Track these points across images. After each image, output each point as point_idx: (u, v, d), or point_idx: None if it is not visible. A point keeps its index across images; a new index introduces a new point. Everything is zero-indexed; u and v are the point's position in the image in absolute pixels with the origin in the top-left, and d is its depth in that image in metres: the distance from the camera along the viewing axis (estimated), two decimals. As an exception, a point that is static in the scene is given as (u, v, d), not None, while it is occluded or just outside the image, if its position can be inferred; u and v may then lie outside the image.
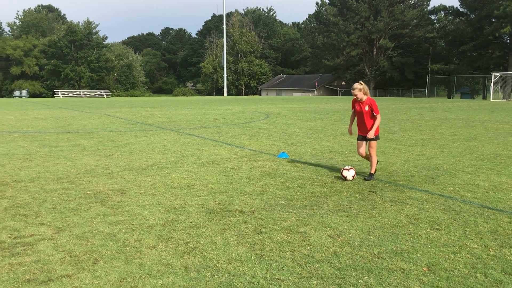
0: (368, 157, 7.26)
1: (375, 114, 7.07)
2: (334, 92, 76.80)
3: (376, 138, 7.15)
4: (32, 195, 6.05)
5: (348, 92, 72.95)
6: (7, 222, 4.87)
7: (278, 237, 4.41)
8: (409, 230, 4.66)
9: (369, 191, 6.31)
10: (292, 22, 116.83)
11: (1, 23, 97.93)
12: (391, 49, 69.96)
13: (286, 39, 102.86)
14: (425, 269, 3.69)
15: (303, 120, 18.64)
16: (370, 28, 68.01)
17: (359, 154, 7.41)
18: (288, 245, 4.21)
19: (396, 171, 7.70)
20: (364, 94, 7.11)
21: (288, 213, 5.23)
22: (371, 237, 4.44)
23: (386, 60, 69.36)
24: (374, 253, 4.01)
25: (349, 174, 6.90)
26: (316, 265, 3.75)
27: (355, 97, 7.16)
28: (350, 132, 7.75)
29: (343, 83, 78.45)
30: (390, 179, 7.12)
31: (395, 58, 68.50)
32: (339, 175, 7.29)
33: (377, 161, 7.43)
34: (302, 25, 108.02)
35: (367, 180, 6.96)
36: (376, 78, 72.38)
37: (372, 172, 7.10)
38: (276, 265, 3.75)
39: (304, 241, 4.32)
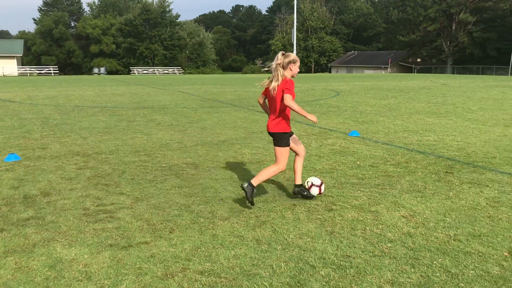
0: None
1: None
2: (408, 69, 73.71)
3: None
4: (112, 166, 6.41)
5: (424, 70, 69.79)
6: (90, 191, 5.20)
7: (349, 215, 4.37)
8: (488, 213, 4.43)
9: (446, 172, 6.05)
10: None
11: (82, 3, 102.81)
12: (472, 24, 65.65)
13: (359, 14, 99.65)
14: (506, 253, 3.50)
15: (375, 98, 18.12)
16: (450, 1, 64.10)
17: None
18: (359, 223, 4.16)
19: (475, 152, 7.31)
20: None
21: (359, 191, 5.15)
22: (447, 218, 4.27)
23: (466, 35, 65.34)
24: (450, 235, 3.86)
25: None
26: (389, 245, 3.68)
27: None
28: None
29: (419, 60, 75.09)
30: (469, 160, 6.77)
31: (476, 34, 64.26)
32: (412, 155, 7.05)
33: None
34: (376, 0, 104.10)
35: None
36: (454, 54, 68.53)
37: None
38: (347, 242, 3.73)
39: (376, 220, 4.24)
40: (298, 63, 4.63)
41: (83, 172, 6.06)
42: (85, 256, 3.48)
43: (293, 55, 4.59)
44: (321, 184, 4.83)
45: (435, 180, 5.63)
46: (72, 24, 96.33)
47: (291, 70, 4.57)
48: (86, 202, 4.78)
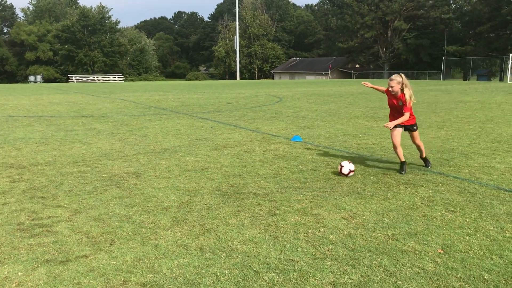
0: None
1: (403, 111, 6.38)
2: (348, 75, 76.12)
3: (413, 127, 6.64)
4: (49, 178, 6.14)
5: (363, 75, 72.30)
6: (26, 204, 4.96)
7: (292, 219, 4.43)
8: (423, 212, 4.64)
9: (384, 173, 6.29)
10: (305, 4, 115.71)
11: (15, 8, 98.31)
12: (406, 31, 68.95)
13: (300, 22, 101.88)
14: (440, 250, 3.68)
15: (317, 103, 18.55)
16: (385, 9, 67.05)
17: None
18: (302, 226, 4.23)
19: (411, 154, 7.64)
20: (400, 88, 6.39)
21: (302, 195, 5.24)
22: (385, 219, 4.43)
23: (401, 42, 68.47)
24: (388, 235, 4.01)
25: (346, 168, 6.10)
26: (330, 247, 3.76)
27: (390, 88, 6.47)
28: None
29: (357, 65, 77.73)
30: (405, 161, 7.06)
31: (410, 40, 67.53)
32: (351, 158, 7.26)
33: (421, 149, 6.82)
34: (316, 7, 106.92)
35: (427, 167, 6.67)
36: (390, 60, 71.55)
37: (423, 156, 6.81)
38: (290, 246, 3.78)
39: (318, 223, 4.33)
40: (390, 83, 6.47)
41: (17, 185, 5.76)
42: (19, 273, 3.30)
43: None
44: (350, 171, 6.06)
45: (374, 182, 5.83)
46: (5, 30, 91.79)
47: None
48: (21, 217, 4.55)
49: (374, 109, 15.76)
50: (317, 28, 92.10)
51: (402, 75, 6.46)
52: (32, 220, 4.47)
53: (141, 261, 3.51)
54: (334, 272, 3.31)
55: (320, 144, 8.69)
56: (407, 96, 6.28)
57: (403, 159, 6.45)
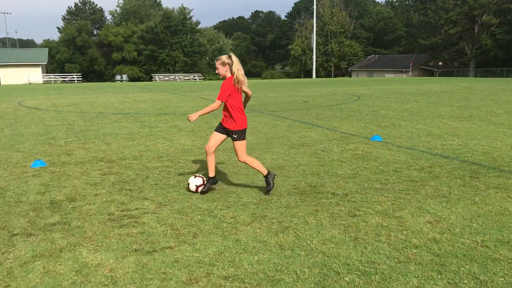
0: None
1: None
2: (430, 73, 72.78)
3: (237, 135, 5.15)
4: (136, 171, 6.48)
5: (446, 73, 68.85)
6: (115, 196, 5.27)
7: (373, 221, 4.32)
8: (517, 219, 4.33)
9: (471, 177, 5.94)
10: (385, 0, 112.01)
11: (104, 11, 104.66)
12: (495, 26, 64.53)
13: (379, 18, 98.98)
14: (536, 261, 3.42)
15: (397, 102, 17.94)
16: (472, 3, 63.23)
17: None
18: (384, 229, 4.11)
19: (501, 156, 7.16)
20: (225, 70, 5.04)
21: (383, 197, 5.10)
22: (474, 224, 4.19)
23: (489, 38, 64.24)
24: (477, 241, 3.79)
25: (192, 182, 5.30)
26: (414, 251, 3.63)
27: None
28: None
29: (440, 63, 74.08)
30: (495, 164, 6.63)
31: (499, 36, 63.09)
32: (436, 160, 6.95)
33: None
34: (396, 3, 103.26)
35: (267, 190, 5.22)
36: (477, 57, 67.40)
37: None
38: (372, 248, 3.69)
39: (401, 225, 4.19)
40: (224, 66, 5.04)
41: (107, 177, 6.15)
42: (111, 261, 3.52)
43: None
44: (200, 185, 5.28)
45: (460, 185, 5.54)
46: (95, 32, 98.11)
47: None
48: (111, 207, 4.85)
49: (459, 109, 14.95)
50: (397, 25, 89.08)
51: (232, 54, 5.03)
52: (121, 211, 4.74)
53: (222, 254, 3.60)
54: (419, 277, 3.19)
55: (401, 145, 8.39)
56: (225, 83, 5.00)
57: (211, 174, 5.30)
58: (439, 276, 3.20)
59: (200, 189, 5.27)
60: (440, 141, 8.70)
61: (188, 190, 5.37)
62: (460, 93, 23.91)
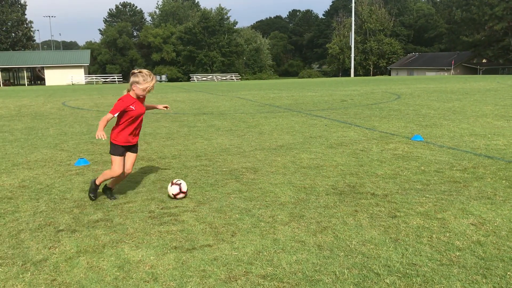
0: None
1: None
2: (473, 71, 70.45)
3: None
4: (175, 170, 6.59)
5: (490, 71, 66.56)
6: (155, 194, 5.38)
7: (414, 222, 4.23)
8: None
9: (518, 178, 5.72)
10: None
11: (144, 13, 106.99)
12: (544, 21, 61.89)
13: (419, 15, 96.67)
14: None
15: (439, 101, 17.47)
16: (519, -3, 60.81)
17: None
18: (425, 230, 4.02)
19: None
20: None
21: (424, 198, 4.98)
22: (522, 228, 4.03)
23: (537, 33, 61.59)
24: (525, 246, 3.64)
25: (172, 190, 5.15)
26: (457, 253, 3.52)
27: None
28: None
29: (484, 60, 71.59)
30: (544, 165, 6.36)
31: (549, 31, 60.46)
32: (480, 160, 6.72)
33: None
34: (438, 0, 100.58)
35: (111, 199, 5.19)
36: (524, 54, 64.79)
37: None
38: (413, 250, 3.61)
39: (443, 227, 4.08)
40: (145, 84, 5.17)
41: (147, 176, 6.28)
42: (151, 257, 3.59)
43: (140, 74, 5.09)
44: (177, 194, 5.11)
45: (506, 187, 5.34)
46: (135, 34, 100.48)
47: (133, 90, 5.21)
48: (151, 205, 4.95)
49: (505, 107, 14.41)
50: (439, 22, 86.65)
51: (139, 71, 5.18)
52: (161, 209, 4.83)
53: (261, 253, 3.61)
54: (462, 280, 3.10)
55: (443, 144, 8.17)
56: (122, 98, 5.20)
57: (111, 185, 5.26)
58: (484, 280, 3.09)
59: (178, 196, 5.11)
60: (484, 141, 8.41)
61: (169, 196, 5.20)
62: (505, 91, 23.04)
